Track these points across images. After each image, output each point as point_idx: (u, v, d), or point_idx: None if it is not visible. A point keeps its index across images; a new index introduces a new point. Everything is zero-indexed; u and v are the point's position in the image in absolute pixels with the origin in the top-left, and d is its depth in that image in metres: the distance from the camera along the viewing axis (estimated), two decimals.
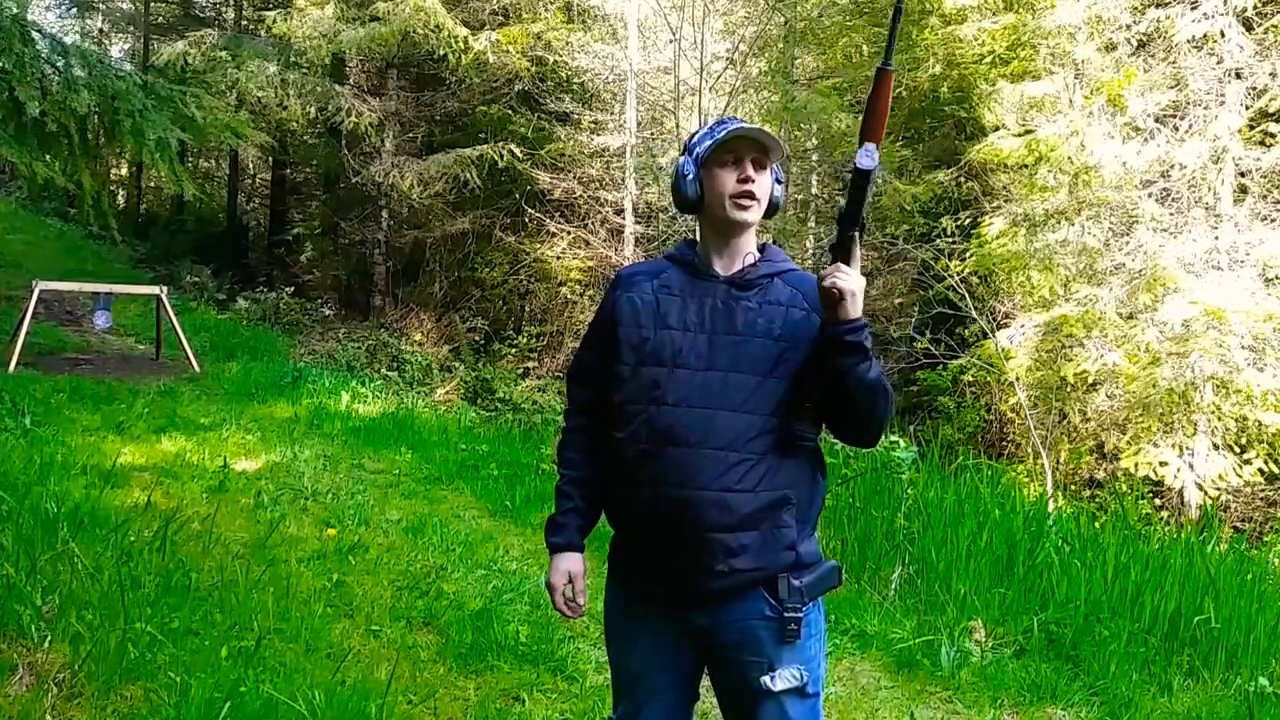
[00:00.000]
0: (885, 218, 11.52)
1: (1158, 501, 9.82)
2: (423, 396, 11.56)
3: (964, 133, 12.10)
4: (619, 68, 14.55)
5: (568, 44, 14.33)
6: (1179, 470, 9.37)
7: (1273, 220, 9.89)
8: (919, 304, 11.58)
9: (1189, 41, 9.75)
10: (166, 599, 3.56)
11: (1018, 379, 10.13)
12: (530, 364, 14.73)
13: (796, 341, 1.80)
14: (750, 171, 1.84)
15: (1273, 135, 9.86)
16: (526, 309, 15.83)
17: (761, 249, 1.93)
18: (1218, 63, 9.90)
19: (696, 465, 1.76)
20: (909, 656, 3.71)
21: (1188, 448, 9.55)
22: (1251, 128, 9.97)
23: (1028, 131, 10.38)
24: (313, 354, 13.17)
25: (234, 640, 3.31)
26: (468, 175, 13.51)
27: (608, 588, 1.99)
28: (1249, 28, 9.82)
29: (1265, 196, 10.06)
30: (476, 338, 15.05)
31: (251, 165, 23.92)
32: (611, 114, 14.98)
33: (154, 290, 10.81)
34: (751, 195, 1.85)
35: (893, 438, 5.16)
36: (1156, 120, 10.06)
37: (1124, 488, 9.75)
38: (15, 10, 6.37)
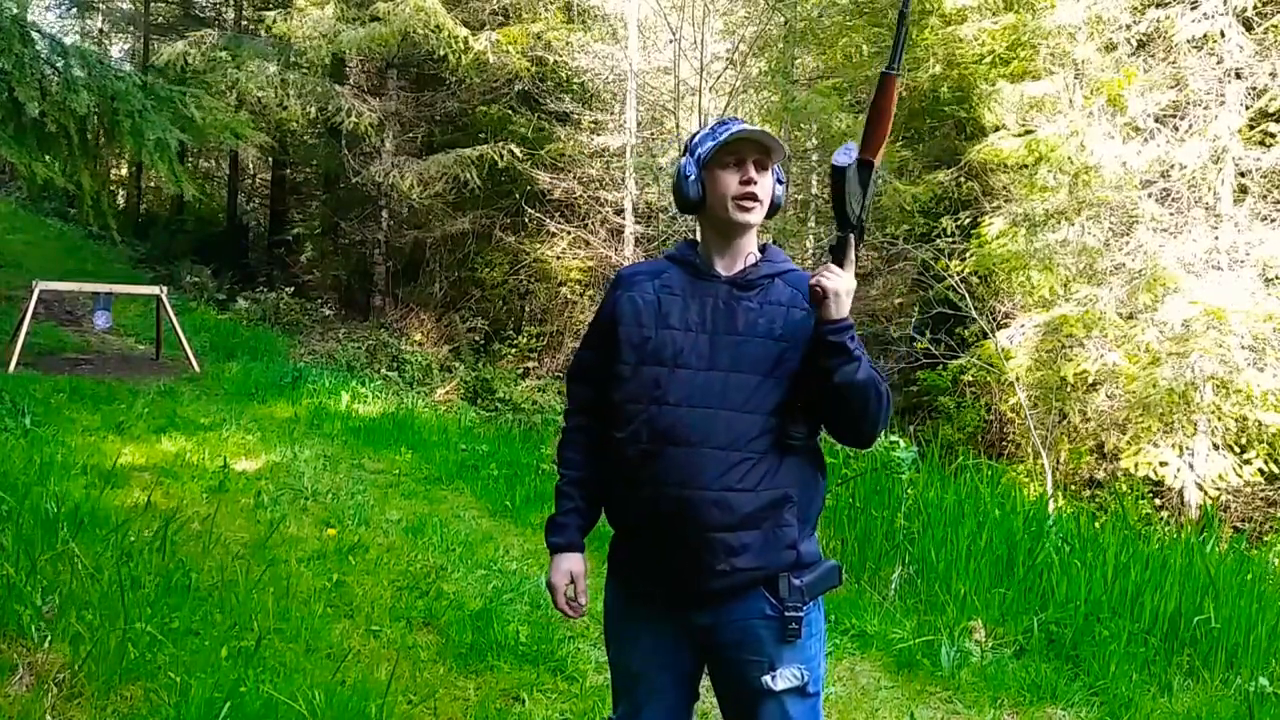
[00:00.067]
0: (885, 218, 11.52)
1: (1158, 501, 9.82)
2: (423, 396, 11.56)
3: (964, 133, 12.10)
4: (619, 68, 14.55)
5: (568, 44, 14.33)
6: (1179, 470, 9.37)
7: (1273, 220, 9.89)
8: (919, 304, 11.58)
9: (1189, 41, 9.75)
10: (166, 599, 3.56)
11: (1018, 379, 10.13)
12: (530, 364, 14.73)
13: (797, 342, 1.80)
14: (753, 173, 1.84)
15: (1273, 135, 9.86)
16: (526, 309, 15.83)
17: (762, 249, 1.93)
18: (1218, 63, 9.90)
19: (697, 465, 1.76)
20: (909, 656, 3.71)
21: (1188, 448, 9.55)
22: (1251, 128, 9.97)
23: (1028, 131, 10.38)
24: (313, 354, 13.17)
25: (234, 640, 3.31)
26: (468, 175, 13.52)
27: (607, 587, 1.99)
28: (1249, 28, 9.82)
29: (1265, 196, 10.06)
30: (476, 338, 15.05)
31: (251, 165, 23.92)
32: (611, 114, 14.99)
33: (154, 290, 10.82)
34: (754, 196, 1.85)
35: (893, 438, 5.16)
36: (1156, 120, 10.06)
37: (1124, 488, 9.75)
38: (15, 10, 6.37)
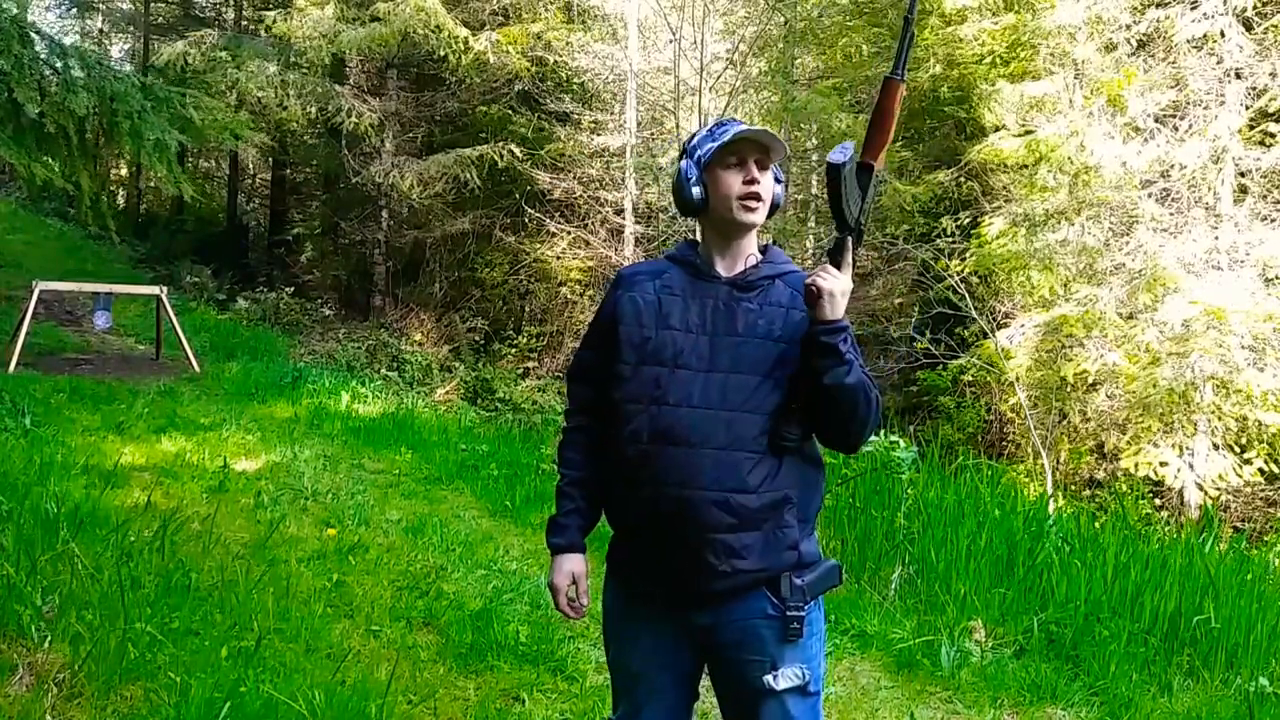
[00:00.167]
0: (885, 218, 11.52)
1: (1158, 501, 9.82)
2: (423, 396, 11.56)
3: (964, 133, 12.10)
4: (619, 68, 14.56)
5: (568, 44, 14.34)
6: (1179, 470, 9.37)
7: (1273, 220, 9.89)
8: (919, 304, 11.58)
9: (1189, 41, 9.75)
10: (166, 599, 3.56)
11: (1018, 379, 10.13)
12: (530, 364, 14.73)
13: (796, 343, 1.81)
14: (755, 173, 1.84)
15: (1273, 135, 9.86)
16: (526, 309, 15.83)
17: (763, 250, 1.93)
18: (1218, 63, 9.90)
19: (697, 465, 1.76)
20: (909, 656, 3.71)
21: (1188, 448, 9.55)
22: (1251, 128, 9.96)
23: (1028, 132, 10.38)
24: (313, 354, 13.17)
25: (234, 640, 3.31)
26: (468, 175, 13.52)
27: (606, 588, 1.99)
28: (1249, 28, 9.82)
29: (1265, 196, 10.06)
30: (476, 338, 15.06)
31: (251, 165, 23.92)
32: (611, 114, 14.99)
33: (154, 290, 10.82)
34: (757, 196, 1.85)
35: (893, 438, 5.16)
36: (1156, 120, 10.06)
37: (1124, 488, 9.75)
38: (15, 11, 6.37)
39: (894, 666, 3.70)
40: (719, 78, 14.54)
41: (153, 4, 22.27)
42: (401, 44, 13.75)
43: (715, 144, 1.85)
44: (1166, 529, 6.24)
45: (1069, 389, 10.31)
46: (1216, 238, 9.79)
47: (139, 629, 3.18)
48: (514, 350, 14.76)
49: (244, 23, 19.77)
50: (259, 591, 3.82)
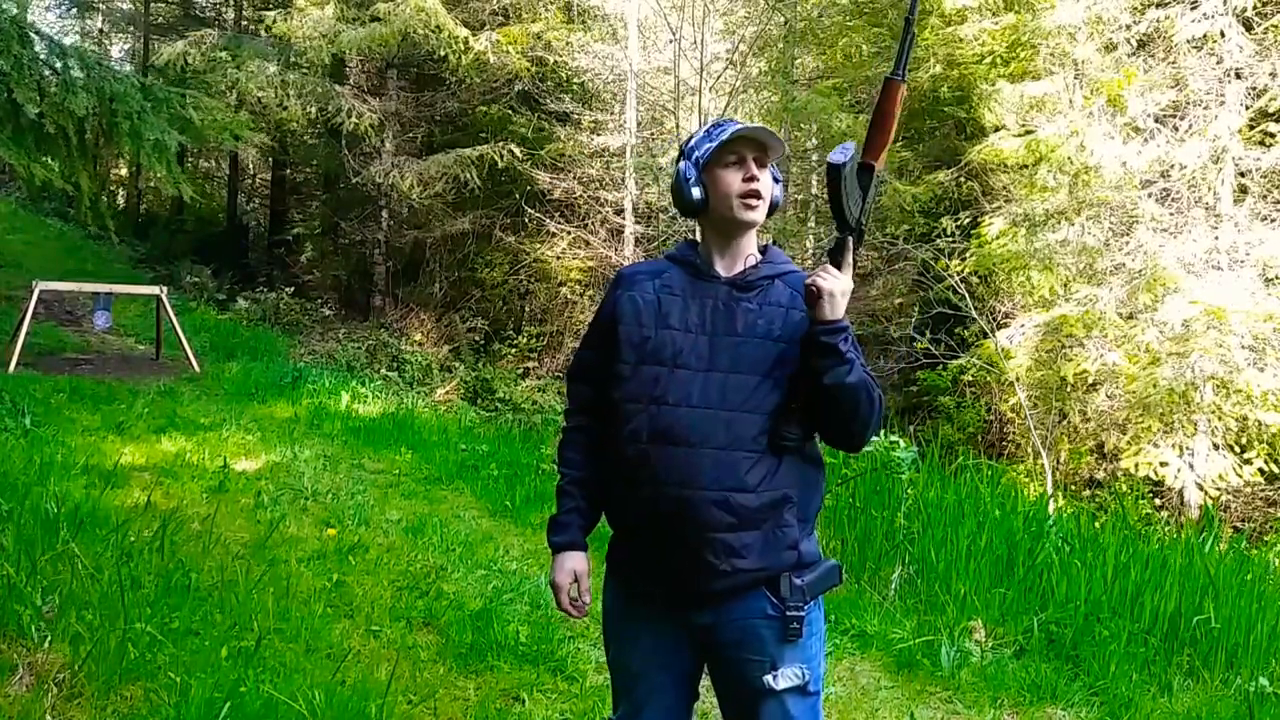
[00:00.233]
0: (885, 218, 11.52)
1: (1158, 501, 9.82)
2: (423, 396, 11.57)
3: (964, 133, 12.10)
4: (619, 68, 14.56)
5: (568, 44, 14.34)
6: (1179, 470, 9.37)
7: (1273, 220, 9.89)
8: (919, 304, 11.58)
9: (1189, 41, 9.75)
10: (166, 599, 3.56)
11: (1018, 379, 10.13)
12: (530, 364, 14.73)
13: (796, 343, 1.81)
14: (754, 170, 1.85)
15: (1273, 135, 9.86)
16: (526, 309, 15.84)
17: (763, 250, 1.93)
18: (1218, 63, 9.90)
19: (697, 465, 1.76)
20: (909, 656, 3.71)
21: (1188, 448, 9.55)
22: (1251, 128, 9.96)
23: (1028, 132, 10.37)
24: (313, 354, 13.17)
25: (234, 640, 3.31)
26: (468, 175, 13.52)
27: (606, 587, 1.99)
28: (1249, 28, 9.82)
29: (1265, 196, 10.06)
30: (476, 338, 15.06)
31: (251, 165, 23.92)
32: (611, 114, 14.99)
33: (154, 290, 10.82)
34: (757, 194, 1.86)
35: (893, 438, 5.16)
36: (1156, 120, 10.06)
37: (1124, 488, 9.75)
38: (15, 11, 6.37)
39: (894, 666, 3.70)
40: (719, 78, 14.54)
41: (153, 4, 22.27)
42: (401, 44, 13.75)
43: (713, 144, 1.85)
44: (1166, 529, 6.25)
45: (1069, 389, 10.31)
46: (1216, 238, 9.79)
47: (139, 629, 3.17)
48: (514, 350, 14.76)
49: (244, 23, 19.77)
50: (259, 591, 3.82)
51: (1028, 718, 3.37)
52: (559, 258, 14.70)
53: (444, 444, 7.91)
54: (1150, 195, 10.11)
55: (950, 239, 10.62)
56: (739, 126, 1.85)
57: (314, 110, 14.39)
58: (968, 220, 11.12)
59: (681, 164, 1.91)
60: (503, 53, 13.65)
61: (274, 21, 14.05)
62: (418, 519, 5.42)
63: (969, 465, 5.85)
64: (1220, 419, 9.40)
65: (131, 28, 24.34)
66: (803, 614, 1.79)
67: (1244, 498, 10.07)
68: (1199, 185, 9.90)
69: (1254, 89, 9.86)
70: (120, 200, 24.73)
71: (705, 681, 1.96)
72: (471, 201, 14.53)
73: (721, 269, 1.90)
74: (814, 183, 14.95)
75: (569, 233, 14.52)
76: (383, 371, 12.51)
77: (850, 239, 1.79)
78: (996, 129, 10.79)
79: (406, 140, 14.99)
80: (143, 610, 3.36)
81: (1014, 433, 11.52)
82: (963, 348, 10.70)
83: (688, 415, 1.78)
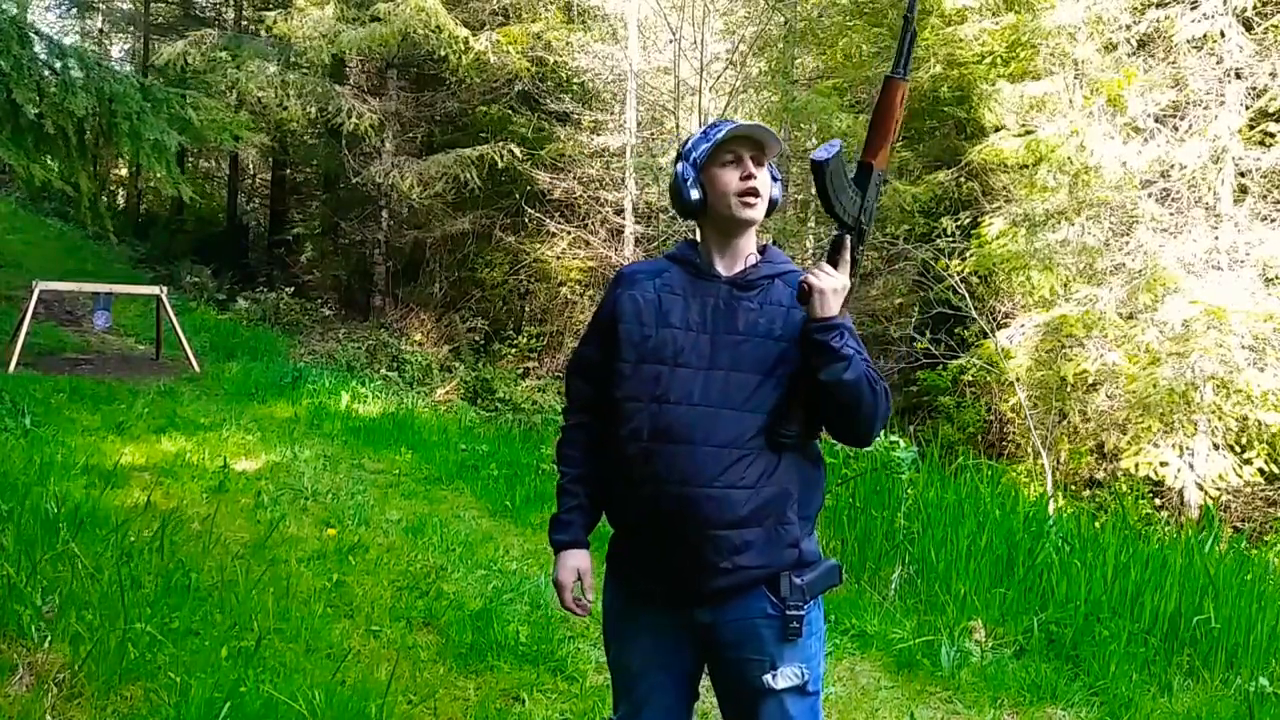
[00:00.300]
0: (885, 218, 11.51)
1: (1158, 501, 9.82)
2: (423, 396, 11.56)
3: (964, 133, 12.10)
4: (619, 68, 14.55)
5: (568, 44, 14.34)
6: (1179, 470, 9.36)
7: (1273, 220, 9.89)
8: (919, 304, 11.58)
9: (1189, 41, 9.75)
10: (166, 599, 3.56)
11: (1018, 379, 10.13)
12: (530, 364, 14.73)
13: (796, 342, 1.81)
14: (751, 168, 1.85)
15: (1273, 135, 9.86)
16: (526, 309, 15.84)
17: (762, 250, 1.94)
18: (1218, 63, 9.90)
19: (698, 463, 1.76)
20: (909, 656, 3.71)
21: (1188, 448, 9.55)
22: (1251, 128, 9.96)
23: (1028, 132, 10.37)
24: (313, 354, 13.17)
25: (234, 640, 3.31)
26: (468, 175, 13.51)
27: (606, 587, 1.99)
28: (1249, 28, 9.82)
29: (1265, 196, 10.06)
30: (476, 338, 15.06)
31: (251, 165, 23.93)
32: (611, 114, 14.99)
33: (154, 290, 10.82)
34: (755, 192, 1.86)
35: (893, 438, 5.16)
36: (1156, 120, 10.06)
37: (1124, 488, 9.75)
38: (15, 12, 6.38)
39: (894, 666, 3.70)
40: (719, 78, 14.53)
41: (153, 4, 22.26)
42: (401, 44, 13.74)
43: (709, 144, 1.86)
44: (1166, 529, 6.25)
45: (1069, 389, 10.31)
46: (1216, 238, 9.79)
47: (139, 629, 3.17)
48: (514, 350, 14.76)
49: (244, 23, 19.77)
50: (259, 591, 3.82)
51: (1028, 718, 3.37)
52: (559, 258, 14.69)
53: (444, 444, 7.91)
54: (1150, 195, 10.11)
55: (950, 239, 10.62)
56: (734, 125, 1.85)
57: (314, 110, 14.39)
58: (968, 220, 11.12)
59: (679, 165, 1.91)
60: (503, 53, 13.65)
61: (274, 22, 14.05)
62: (418, 519, 5.42)
63: (969, 465, 5.85)
64: (1220, 419, 9.40)
65: (131, 28, 24.34)
66: (802, 613, 1.79)
67: (1244, 498, 10.07)
68: (1199, 185, 9.90)
69: (1254, 89, 9.86)
70: (120, 200, 24.73)
71: (705, 681, 1.96)
72: (471, 201, 14.53)
73: (722, 268, 1.90)
74: (814, 183, 14.92)
75: (569, 233, 14.52)
76: (383, 371, 12.51)
77: (847, 237, 1.79)
78: (996, 129, 10.79)
79: (406, 140, 14.99)
80: (143, 610, 3.36)
81: (1014, 433, 11.52)
82: (963, 348, 10.70)
83: (688, 413, 1.78)
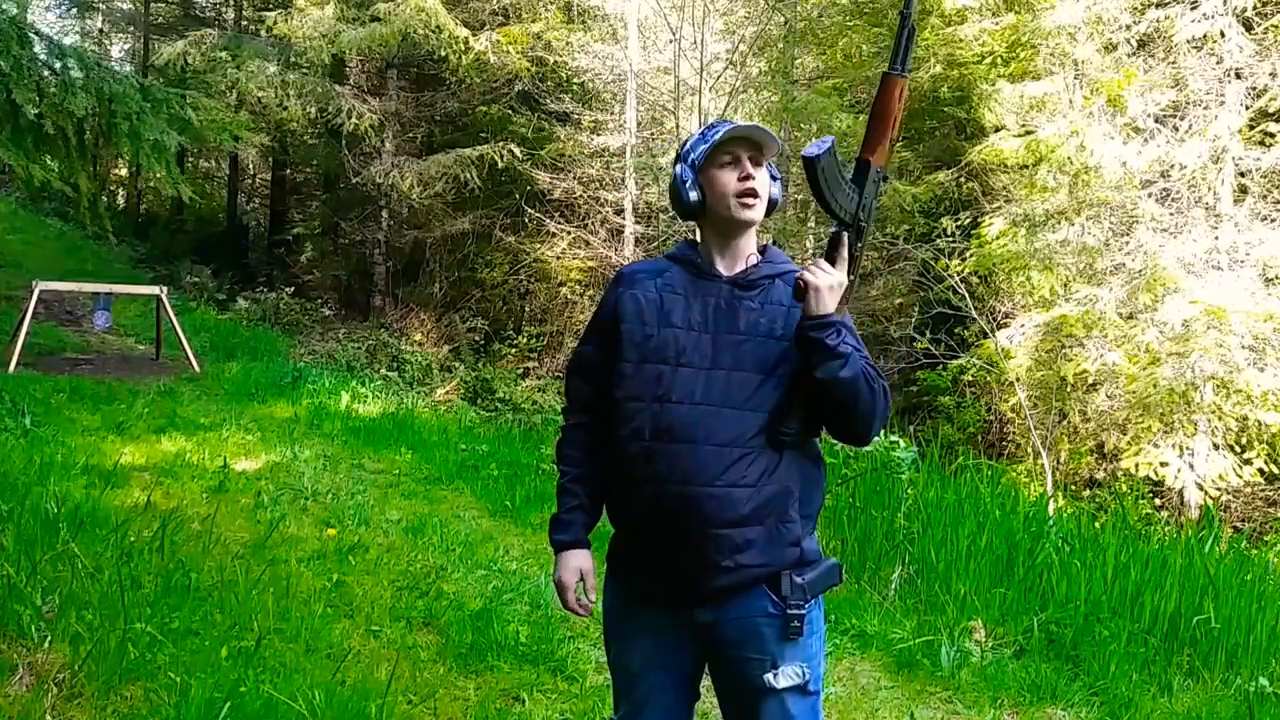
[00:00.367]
0: (885, 218, 11.52)
1: (1158, 501, 9.82)
2: (423, 396, 11.56)
3: (964, 133, 12.10)
4: (619, 68, 14.55)
5: (568, 44, 14.34)
6: (1179, 470, 9.37)
7: (1273, 220, 9.89)
8: (919, 304, 11.58)
9: (1189, 42, 9.75)
10: (166, 599, 3.56)
11: (1018, 379, 10.13)
12: (530, 364, 14.73)
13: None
14: (750, 169, 1.85)
15: (1273, 135, 9.86)
16: (526, 309, 15.84)
17: (762, 250, 1.94)
18: (1218, 63, 9.90)
19: (699, 462, 1.76)
20: (909, 656, 3.71)
21: (1188, 448, 9.55)
22: (1251, 128, 9.96)
23: (1028, 132, 10.37)
24: (313, 354, 13.17)
25: (234, 640, 3.31)
26: (468, 175, 13.52)
27: (607, 587, 1.99)
28: (1249, 28, 9.82)
29: (1265, 196, 10.06)
30: (476, 338, 15.06)
31: (251, 165, 23.93)
32: (611, 114, 14.99)
33: (154, 290, 10.82)
34: (754, 192, 1.86)
35: (893, 438, 5.16)
36: (1156, 120, 10.06)
37: (1124, 488, 9.75)
38: (14, 12, 6.38)
39: (894, 666, 3.70)
40: (719, 78, 14.53)
41: (153, 4, 22.26)
42: (401, 44, 13.74)
43: (707, 145, 1.86)
44: (1166, 529, 6.25)
45: (1069, 389, 10.31)
46: (1216, 238, 9.79)
47: (139, 629, 3.17)
48: (514, 350, 14.76)
49: (244, 23, 19.77)
50: (259, 591, 3.82)
51: (1028, 718, 3.37)
52: (559, 258, 14.69)
53: (444, 444, 7.91)
54: (1150, 195, 10.12)
55: (950, 239, 10.62)
56: (732, 126, 1.85)
57: (314, 110, 14.38)
58: (968, 220, 11.12)
59: (678, 167, 1.91)
60: (503, 53, 13.65)
61: (274, 22, 14.05)
62: (418, 519, 5.42)
63: (969, 465, 5.85)
64: (1220, 419, 9.40)
65: (131, 28, 24.34)
66: (803, 612, 1.80)
67: (1244, 498, 10.07)
68: (1199, 185, 9.90)
69: (1254, 89, 9.86)
70: (120, 200, 24.73)
71: (706, 682, 1.96)
72: (471, 201, 14.53)
73: (723, 268, 1.90)
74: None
75: (569, 233, 14.52)
76: (383, 371, 12.51)
77: (845, 234, 1.79)
78: (996, 129, 10.80)
79: (406, 140, 14.99)
80: (143, 610, 3.36)
81: (1014, 433, 11.52)
82: (963, 348, 10.70)
83: (690, 413, 1.78)
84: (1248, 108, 9.86)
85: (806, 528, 1.85)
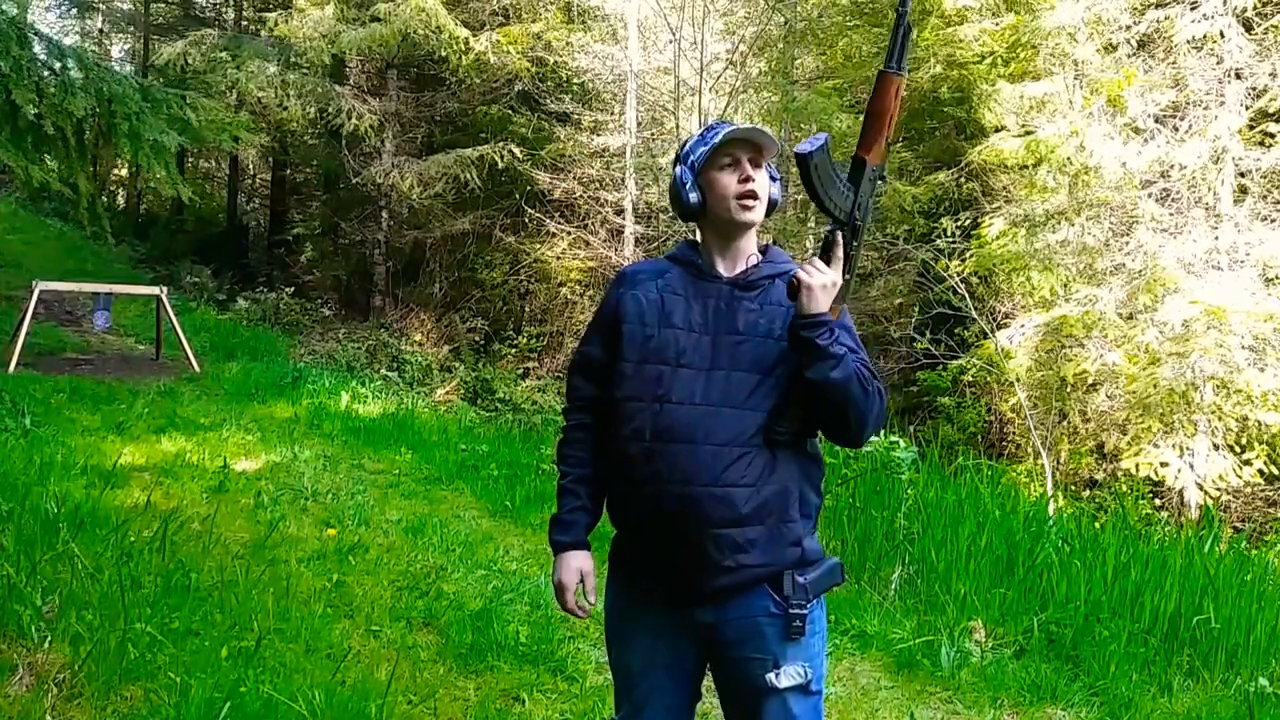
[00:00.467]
0: (885, 218, 11.53)
1: (1158, 502, 9.82)
2: (423, 396, 11.56)
3: (964, 133, 12.11)
4: (619, 68, 14.55)
5: (568, 44, 14.34)
6: (1179, 471, 9.37)
7: (1273, 220, 9.89)
8: (919, 304, 11.59)
9: (1189, 42, 9.75)
10: (166, 599, 3.55)
11: (1018, 379, 10.13)
12: (530, 364, 14.73)
13: None
14: (749, 171, 1.85)
15: (1273, 135, 9.86)
16: (526, 309, 15.84)
17: (763, 250, 1.94)
18: (1218, 63, 9.90)
19: (699, 462, 1.76)
20: (909, 656, 3.71)
21: (1188, 448, 9.55)
22: (1251, 128, 9.97)
23: (1028, 132, 10.38)
24: (313, 354, 13.17)
25: (234, 640, 3.31)
26: (468, 176, 13.52)
27: (608, 587, 1.99)
28: (1249, 28, 9.83)
29: (1265, 196, 10.06)
30: (476, 338, 15.06)
31: (252, 165, 23.93)
32: (611, 114, 14.98)
33: (154, 290, 10.82)
34: (754, 194, 1.86)
35: (893, 438, 5.16)
36: (1156, 120, 10.06)
37: (1124, 488, 9.76)
38: (14, 12, 6.38)
39: (894, 666, 3.70)
40: (719, 78, 14.52)
41: (153, 4, 22.26)
42: (402, 44, 13.74)
43: (707, 147, 1.86)
44: (1166, 529, 6.24)
45: (1069, 389, 10.31)
46: (1216, 238, 9.79)
47: (139, 629, 3.17)
48: (514, 350, 14.77)
49: (244, 23, 19.77)
50: (259, 591, 3.82)
51: (1028, 718, 3.37)
52: (559, 258, 14.69)
53: (444, 444, 7.91)
54: (1150, 195, 10.12)
55: (950, 239, 10.63)
56: (731, 128, 1.85)
57: (314, 110, 14.39)
58: (968, 221, 11.13)
59: (678, 169, 1.91)
60: (503, 53, 13.65)
61: (275, 23, 14.05)
62: (418, 519, 5.42)
63: (969, 465, 5.85)
64: (1220, 419, 9.40)
65: (131, 28, 24.33)
66: (805, 612, 1.80)
67: (1244, 498, 10.07)
68: (1199, 185, 9.90)
69: (1254, 89, 9.87)
70: (120, 201, 24.73)
71: (708, 682, 1.96)
72: (471, 202, 14.53)
73: (723, 269, 1.90)
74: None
75: (569, 233, 14.52)
76: (383, 371, 12.51)
77: (840, 234, 1.79)
78: (997, 129, 10.80)
79: (406, 140, 14.99)
80: (143, 610, 3.36)
81: (1014, 433, 11.52)
82: (963, 348, 10.70)
83: (690, 413, 1.79)
84: (1248, 108, 9.86)
85: (807, 527, 1.85)
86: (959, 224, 10.94)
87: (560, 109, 14.36)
